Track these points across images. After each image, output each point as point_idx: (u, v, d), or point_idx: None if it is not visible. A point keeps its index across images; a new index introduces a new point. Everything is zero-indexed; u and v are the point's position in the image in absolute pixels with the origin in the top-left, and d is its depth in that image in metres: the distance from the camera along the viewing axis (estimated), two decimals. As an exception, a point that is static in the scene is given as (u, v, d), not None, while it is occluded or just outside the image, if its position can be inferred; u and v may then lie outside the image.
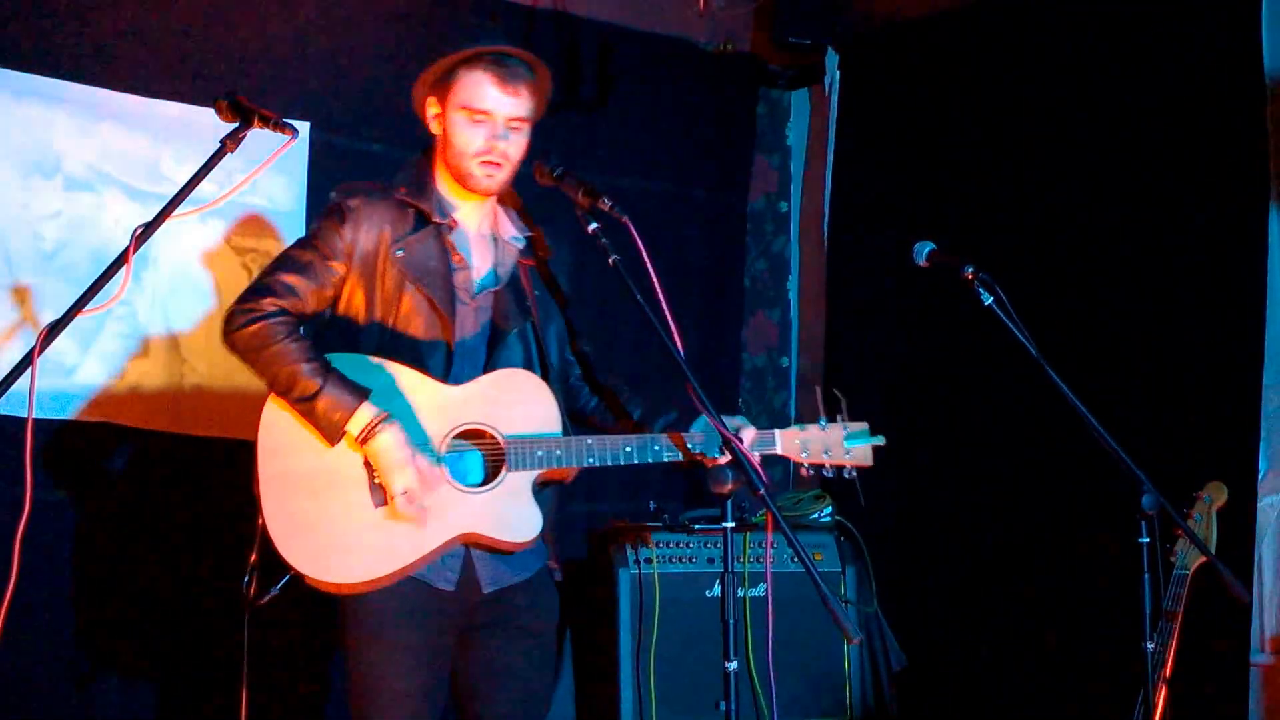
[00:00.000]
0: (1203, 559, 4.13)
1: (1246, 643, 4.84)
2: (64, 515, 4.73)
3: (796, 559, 3.03)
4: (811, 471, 3.67)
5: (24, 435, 3.01)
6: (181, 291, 5.02)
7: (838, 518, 5.41)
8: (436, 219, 3.57)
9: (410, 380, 3.46)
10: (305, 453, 3.38)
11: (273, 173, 4.69)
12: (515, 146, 3.57)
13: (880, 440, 3.70)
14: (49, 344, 3.02)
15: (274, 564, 3.36)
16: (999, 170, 5.77)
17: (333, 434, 3.34)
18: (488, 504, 3.46)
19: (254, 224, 5.17)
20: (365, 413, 3.32)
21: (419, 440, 3.40)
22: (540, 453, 3.48)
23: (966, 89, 5.93)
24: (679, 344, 3.24)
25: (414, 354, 3.49)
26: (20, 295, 4.68)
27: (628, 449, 3.52)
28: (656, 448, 3.55)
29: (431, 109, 3.61)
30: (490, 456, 3.50)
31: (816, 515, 5.43)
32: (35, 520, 3.05)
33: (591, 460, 3.50)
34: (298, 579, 3.36)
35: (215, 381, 5.07)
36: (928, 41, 6.13)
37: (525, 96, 3.56)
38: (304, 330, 3.47)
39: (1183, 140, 5.12)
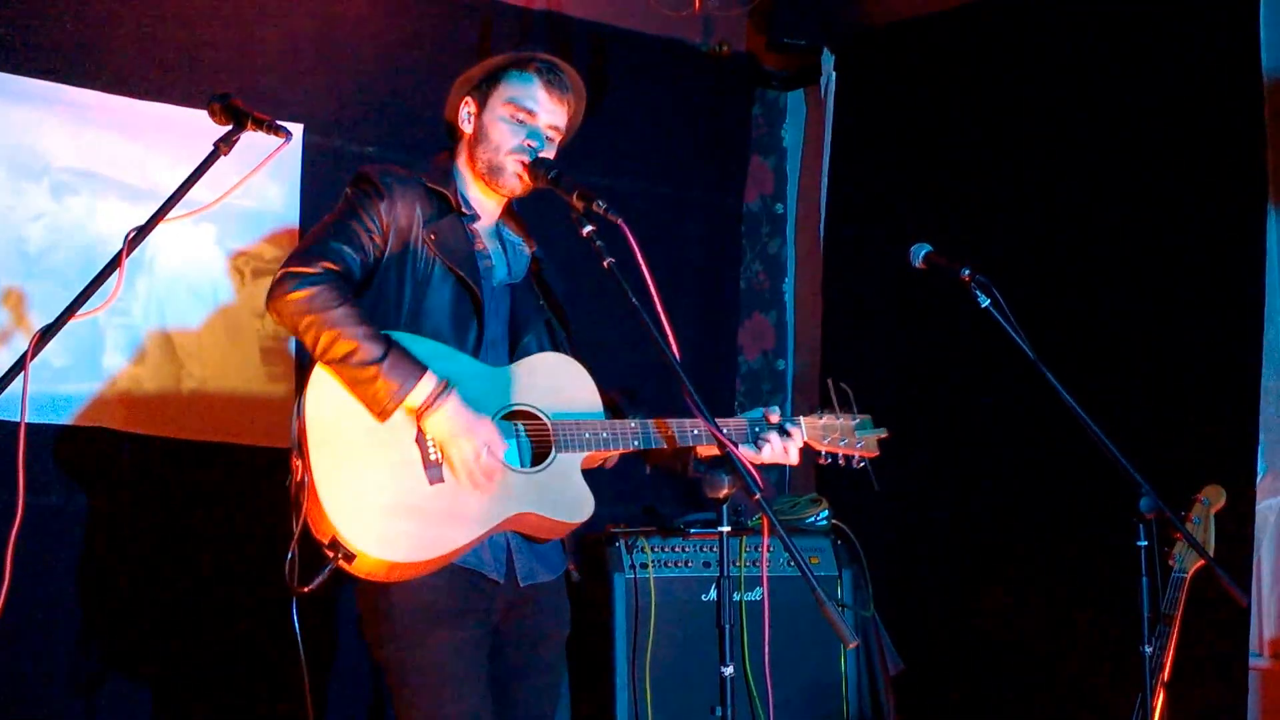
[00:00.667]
0: (1201, 562, 4.12)
1: (1245, 646, 4.83)
2: (57, 521, 4.72)
3: (793, 563, 3.01)
4: (829, 459, 3.73)
5: (16, 440, 2.99)
6: (175, 295, 5.01)
7: (834, 521, 5.39)
8: (461, 209, 3.58)
9: (458, 360, 3.42)
10: (358, 425, 3.27)
11: (266, 175, 4.68)
12: (548, 155, 3.60)
13: (884, 432, 3.79)
14: (41, 348, 3.00)
15: (315, 550, 3.26)
16: (996, 171, 5.76)
17: (390, 404, 3.23)
18: (542, 484, 3.43)
19: (248, 226, 5.16)
20: (428, 382, 3.25)
21: None
22: (588, 434, 3.48)
23: (963, 89, 5.93)
24: (674, 347, 3.23)
25: (445, 332, 3.47)
26: (11, 299, 4.66)
27: (668, 432, 3.54)
28: (696, 432, 3.56)
29: (466, 107, 3.64)
30: (535, 439, 3.48)
31: (813, 519, 5.41)
32: (28, 526, 3.03)
33: (635, 443, 3.52)
34: (338, 569, 3.26)
35: (211, 385, 5.05)
36: (924, 41, 6.13)
37: (567, 109, 3.65)
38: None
39: (1180, 140, 5.11)
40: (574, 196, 3.42)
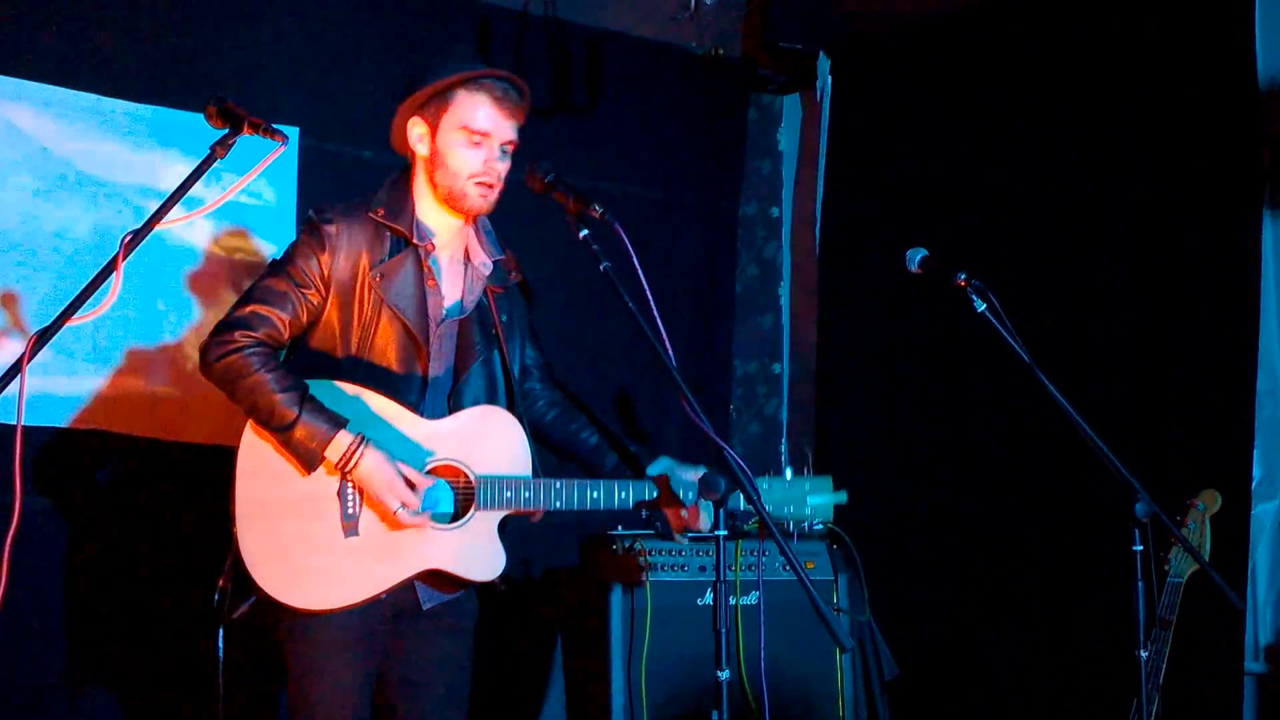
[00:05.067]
0: (1197, 567, 4.12)
1: (1240, 651, 4.84)
2: (53, 522, 4.71)
3: (789, 567, 3.01)
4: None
5: (13, 442, 2.98)
6: (172, 296, 5.00)
7: (830, 526, 5.38)
8: (415, 241, 3.59)
9: (387, 410, 3.51)
10: (282, 479, 3.43)
11: (262, 177, 4.67)
12: (506, 168, 3.63)
13: (842, 498, 3.73)
14: (38, 351, 2.98)
15: (245, 581, 3.43)
16: (992, 176, 5.76)
17: (310, 461, 3.40)
18: (455, 540, 3.53)
19: (244, 228, 5.15)
20: (343, 439, 3.38)
21: None
22: (509, 493, 3.55)
23: (959, 94, 5.93)
24: (670, 351, 3.23)
25: (389, 381, 3.54)
26: (6, 301, 4.66)
27: (594, 494, 3.59)
28: (623, 494, 3.62)
29: (416, 129, 3.63)
30: (461, 492, 3.56)
31: (808, 523, 5.41)
32: (25, 528, 3.02)
33: (558, 504, 3.58)
34: (264, 599, 3.42)
35: (207, 387, 5.04)
36: (920, 46, 6.13)
37: (518, 119, 3.63)
38: (282, 356, 3.53)
39: (1176, 145, 5.12)
40: (570, 201, 3.43)
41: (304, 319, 3.53)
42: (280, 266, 3.56)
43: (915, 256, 3.97)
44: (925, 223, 5.91)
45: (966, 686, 5.65)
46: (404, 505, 3.40)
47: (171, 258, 4.99)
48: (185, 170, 3.27)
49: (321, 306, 3.54)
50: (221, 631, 3.48)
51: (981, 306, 3.78)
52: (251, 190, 5.10)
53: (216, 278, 5.09)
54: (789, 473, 3.81)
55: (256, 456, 3.45)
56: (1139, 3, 5.27)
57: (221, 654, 3.52)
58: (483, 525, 3.54)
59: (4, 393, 2.95)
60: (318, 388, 3.44)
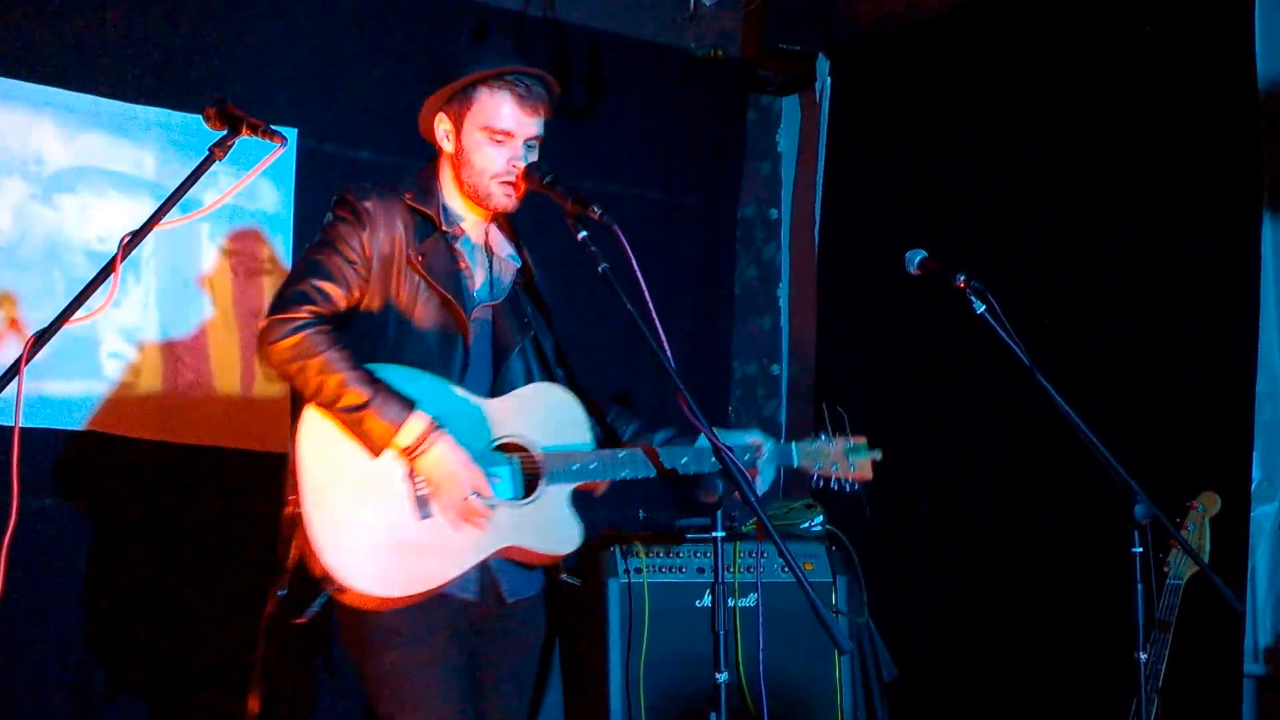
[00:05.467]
0: (1196, 569, 4.11)
1: (1240, 653, 4.83)
2: (49, 524, 4.70)
3: (787, 569, 3.01)
4: (821, 484, 3.81)
5: (10, 444, 2.98)
6: (171, 298, 5.00)
7: (829, 527, 5.39)
8: (445, 227, 3.57)
9: (447, 392, 3.45)
10: (350, 462, 3.33)
11: (261, 178, 4.68)
12: (533, 158, 3.59)
13: (878, 454, 3.83)
14: (36, 352, 2.98)
15: (309, 579, 3.32)
16: (991, 177, 5.75)
17: (379, 444, 3.30)
18: (530, 516, 3.48)
19: (243, 229, 5.15)
20: (416, 423, 3.30)
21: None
22: (575, 466, 3.52)
23: (958, 95, 5.92)
24: (669, 353, 3.23)
25: (430, 356, 3.48)
26: (5, 303, 4.65)
27: (657, 460, 3.58)
28: (684, 460, 3.61)
29: (441, 125, 3.61)
30: (526, 470, 3.53)
31: (807, 525, 5.41)
32: (22, 529, 3.02)
33: (624, 473, 3.56)
34: (331, 598, 3.33)
35: (206, 389, 5.05)
36: (919, 47, 6.12)
37: (543, 114, 3.59)
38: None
39: (1176, 147, 5.11)
40: (569, 202, 3.43)
41: (356, 294, 3.46)
42: (325, 245, 3.47)
43: (914, 258, 3.97)
44: (925, 224, 5.90)
45: (965, 689, 5.65)
46: (468, 499, 3.33)
47: (170, 257, 4.99)
48: (184, 172, 3.26)
49: (367, 279, 3.47)
50: (263, 627, 3.39)
51: (981, 308, 3.77)
52: (250, 192, 5.09)
53: (215, 275, 5.08)
54: (826, 436, 3.82)
55: (320, 441, 3.33)
56: (1139, 3, 5.26)
57: (263, 657, 3.44)
58: (553, 499, 3.51)
59: (3, 394, 2.95)
60: (380, 370, 3.36)
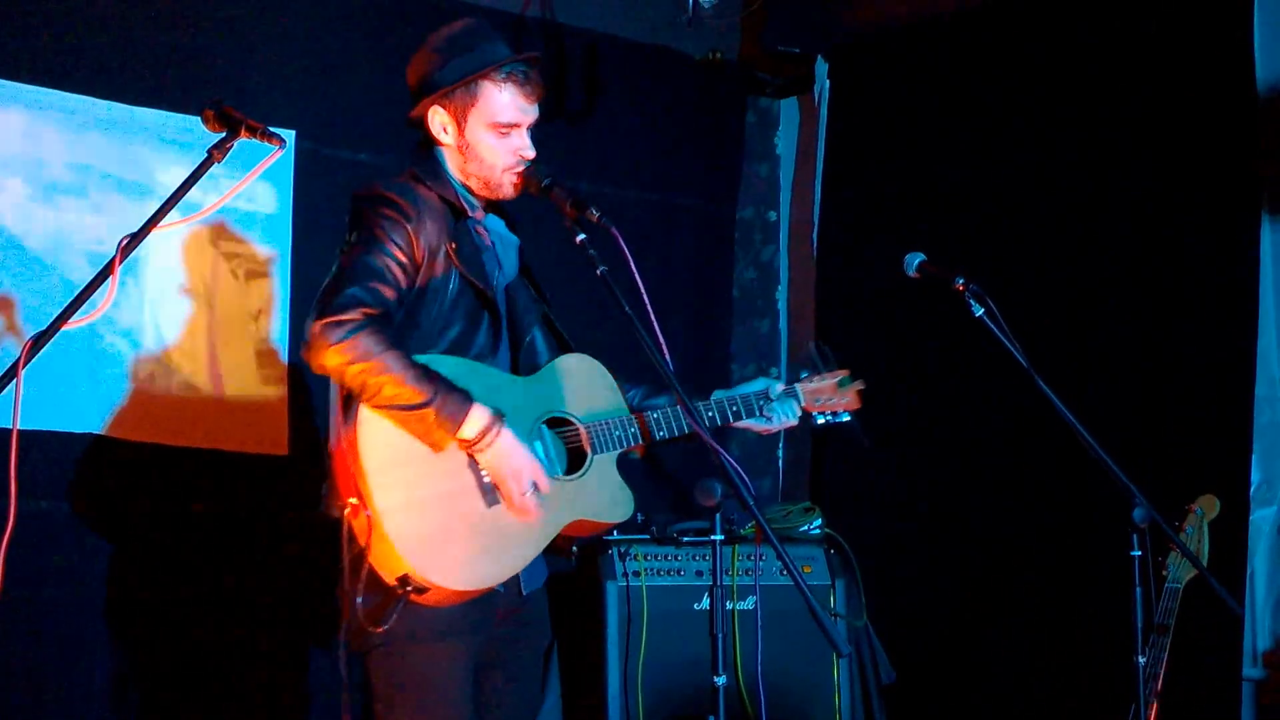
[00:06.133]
0: (1195, 572, 4.11)
1: (1238, 656, 4.84)
2: (47, 527, 4.70)
3: (785, 572, 3.01)
4: (822, 419, 3.92)
5: (8, 446, 2.98)
6: (168, 298, 5.00)
7: (827, 530, 5.38)
8: (470, 213, 3.56)
9: (489, 376, 3.45)
10: (414, 459, 3.31)
11: (259, 180, 4.68)
12: (532, 148, 3.58)
13: (861, 384, 3.98)
14: (34, 356, 2.98)
15: (379, 585, 3.25)
16: (990, 180, 5.75)
17: (443, 439, 3.28)
18: (586, 488, 3.52)
19: (242, 231, 5.15)
20: (480, 418, 3.28)
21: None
22: (618, 433, 3.57)
23: (957, 97, 5.92)
24: (667, 355, 3.23)
25: (465, 339, 3.47)
26: (3, 305, 4.65)
27: (690, 417, 3.50)
28: (711, 414, 3.70)
29: (438, 117, 3.57)
30: (569, 443, 3.56)
31: (806, 528, 5.40)
32: (20, 532, 3.01)
33: (660, 433, 3.61)
34: (403, 599, 3.25)
35: (205, 391, 5.04)
36: (918, 49, 6.12)
37: (540, 98, 3.59)
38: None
39: (1174, 149, 5.11)
40: (567, 204, 3.42)
41: (406, 290, 3.40)
42: (373, 243, 3.39)
43: (913, 261, 3.97)
44: (924, 226, 5.90)
45: (964, 692, 5.64)
46: (534, 489, 3.33)
47: (169, 259, 4.99)
48: (182, 174, 3.26)
49: (416, 274, 3.42)
50: (343, 648, 3.28)
51: (979, 311, 3.77)
52: (249, 194, 5.09)
53: (214, 278, 5.08)
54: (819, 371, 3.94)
55: (380, 442, 3.29)
56: (1139, 4, 5.27)
57: (345, 674, 3.30)
58: (603, 468, 3.55)
59: (1, 396, 2.95)
60: (431, 363, 3.33)
